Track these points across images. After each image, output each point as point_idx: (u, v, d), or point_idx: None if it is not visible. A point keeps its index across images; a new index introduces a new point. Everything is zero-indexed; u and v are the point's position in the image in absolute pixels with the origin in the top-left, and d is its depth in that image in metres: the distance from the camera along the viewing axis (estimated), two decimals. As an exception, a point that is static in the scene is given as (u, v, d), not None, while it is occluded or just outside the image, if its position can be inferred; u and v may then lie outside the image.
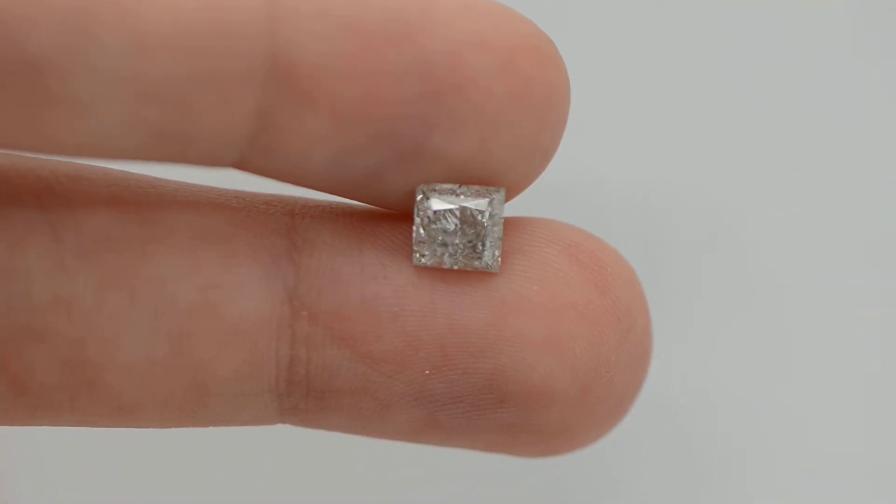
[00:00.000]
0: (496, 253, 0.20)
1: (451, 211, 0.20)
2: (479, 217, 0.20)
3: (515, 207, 0.21)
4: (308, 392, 0.21)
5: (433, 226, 0.20)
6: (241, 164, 0.20)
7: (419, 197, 0.20)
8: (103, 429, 0.21)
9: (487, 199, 0.20)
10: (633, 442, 0.27)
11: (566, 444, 0.22)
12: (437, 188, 0.20)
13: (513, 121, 0.20)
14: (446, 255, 0.20)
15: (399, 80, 0.19)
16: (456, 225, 0.20)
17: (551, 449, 0.22)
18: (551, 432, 0.21)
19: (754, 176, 0.29)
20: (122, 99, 0.17)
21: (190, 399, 0.20)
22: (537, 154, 0.20)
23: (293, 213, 0.21)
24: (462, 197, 0.20)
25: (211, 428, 0.21)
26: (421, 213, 0.20)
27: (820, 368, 0.28)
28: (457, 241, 0.20)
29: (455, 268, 0.20)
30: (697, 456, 0.28)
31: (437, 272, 0.21)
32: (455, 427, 0.21)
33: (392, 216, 0.21)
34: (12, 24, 0.16)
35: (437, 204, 0.20)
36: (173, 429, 0.21)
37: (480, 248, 0.20)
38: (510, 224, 0.21)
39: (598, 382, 0.21)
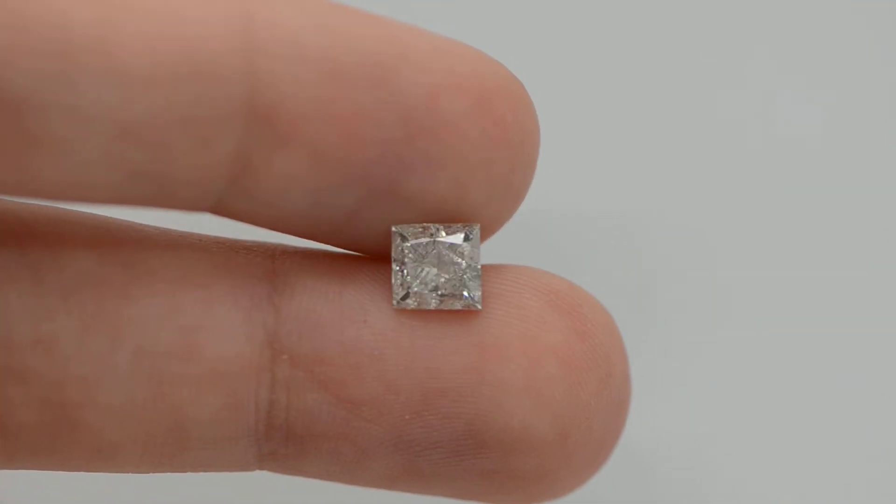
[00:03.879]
0: (477, 289, 0.21)
1: (427, 250, 0.20)
2: (457, 254, 0.21)
3: (493, 242, 0.22)
4: (288, 437, 0.21)
5: (411, 266, 0.20)
6: (219, 208, 0.20)
7: (395, 238, 0.20)
8: (81, 474, 0.21)
9: (463, 235, 0.21)
10: (612, 491, 0.27)
11: (545, 491, 0.22)
12: (411, 227, 0.20)
13: (487, 162, 0.20)
14: (426, 294, 0.20)
15: (376, 122, 0.19)
16: (434, 264, 0.20)
17: (530, 496, 0.22)
18: (530, 478, 0.21)
19: (732, 204, 0.29)
20: (100, 139, 0.17)
21: (169, 442, 0.20)
22: (510, 194, 0.21)
23: (273, 257, 0.21)
24: (438, 235, 0.20)
25: (189, 473, 0.21)
26: (398, 253, 0.20)
27: (803, 407, 0.28)
28: (436, 280, 0.20)
29: (436, 307, 0.21)
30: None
31: (418, 315, 0.21)
32: (434, 473, 0.21)
33: (372, 260, 0.21)
34: None
35: (413, 243, 0.20)
36: (151, 474, 0.21)
37: (460, 285, 0.20)
38: (489, 270, 0.21)
39: (578, 428, 0.21)
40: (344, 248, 0.21)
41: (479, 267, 0.21)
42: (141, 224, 0.21)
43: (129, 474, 0.21)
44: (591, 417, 0.21)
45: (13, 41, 0.16)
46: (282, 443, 0.21)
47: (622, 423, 0.22)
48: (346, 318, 0.21)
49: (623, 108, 0.29)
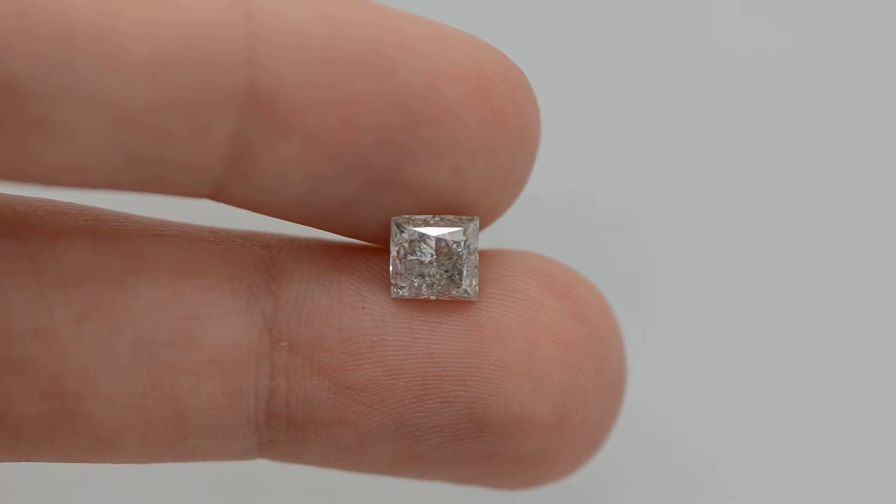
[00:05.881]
0: (473, 281, 0.21)
1: (426, 242, 0.20)
2: (455, 246, 0.21)
3: (491, 228, 0.22)
4: (288, 424, 0.21)
5: (409, 257, 0.20)
6: (217, 194, 0.20)
7: (394, 229, 0.20)
8: (82, 466, 0.21)
9: (462, 228, 0.21)
10: (611, 473, 0.27)
11: (544, 474, 0.22)
12: (411, 219, 0.20)
13: (486, 150, 0.20)
14: (424, 285, 0.21)
15: (375, 109, 0.19)
16: (432, 255, 0.20)
17: (530, 480, 0.22)
18: (530, 461, 0.21)
19: (732, 189, 0.29)
20: (99, 125, 0.17)
21: (169, 431, 0.20)
22: (509, 183, 0.21)
23: (270, 246, 0.21)
24: (436, 227, 0.20)
25: (190, 463, 0.21)
26: (396, 245, 0.20)
27: (803, 386, 0.28)
28: (434, 272, 0.21)
29: (433, 298, 0.21)
30: (678, 486, 0.28)
31: (416, 301, 0.21)
32: (435, 458, 0.21)
33: (370, 248, 0.21)
34: None
35: (412, 235, 0.20)
36: (152, 464, 0.21)
37: (458, 277, 0.21)
38: (486, 255, 0.22)
39: (576, 410, 0.21)
40: (343, 235, 0.21)
41: (476, 260, 0.21)
42: (137, 215, 0.21)
43: (130, 465, 0.21)
44: (589, 399, 0.21)
45: (14, 27, 0.16)
46: (282, 430, 0.21)
47: (619, 405, 0.23)
48: (344, 304, 0.21)
49: (622, 95, 0.30)
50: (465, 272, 0.21)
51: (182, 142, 0.18)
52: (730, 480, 0.28)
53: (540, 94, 0.21)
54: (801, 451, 0.28)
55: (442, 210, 0.21)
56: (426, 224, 0.20)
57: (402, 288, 0.21)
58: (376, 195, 0.20)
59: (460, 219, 0.21)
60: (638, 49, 0.30)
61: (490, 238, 0.22)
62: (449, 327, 0.21)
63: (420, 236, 0.20)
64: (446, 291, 0.21)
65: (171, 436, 0.20)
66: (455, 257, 0.21)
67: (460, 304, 0.21)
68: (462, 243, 0.21)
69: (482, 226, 0.21)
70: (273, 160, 0.19)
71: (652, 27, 0.30)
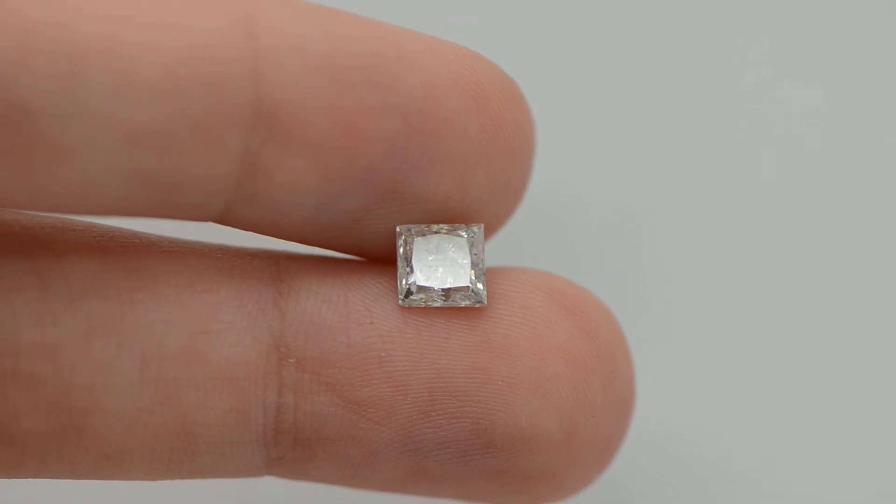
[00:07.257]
0: (482, 285, 0.21)
1: (432, 249, 0.21)
2: (461, 252, 0.21)
3: (495, 240, 0.22)
4: (296, 441, 0.21)
5: (416, 265, 0.21)
6: (226, 216, 0.20)
7: (400, 238, 0.21)
8: (90, 484, 0.21)
9: (467, 235, 0.21)
10: (620, 490, 0.27)
11: (552, 491, 0.22)
12: (416, 228, 0.21)
13: (487, 159, 0.20)
14: (432, 292, 0.21)
15: (378, 122, 0.19)
16: (439, 262, 0.21)
17: (539, 497, 0.22)
18: (538, 478, 0.21)
19: (726, 198, 0.29)
20: (109, 145, 0.17)
21: (177, 447, 0.20)
22: (510, 192, 0.21)
23: (277, 262, 0.21)
24: (442, 234, 0.21)
25: (198, 480, 0.21)
26: (403, 253, 0.21)
27: (815, 395, 0.28)
28: (441, 278, 0.21)
29: (442, 305, 0.21)
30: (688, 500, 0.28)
31: (424, 315, 0.21)
32: (442, 474, 0.21)
33: (376, 263, 0.21)
34: (0, 70, 0.17)
35: (418, 243, 0.21)
36: (160, 481, 0.21)
37: (465, 282, 0.21)
38: (493, 272, 0.22)
39: (584, 426, 0.21)
40: (348, 253, 0.21)
41: (482, 264, 0.21)
42: (143, 232, 0.21)
43: (137, 482, 0.21)
44: (597, 415, 0.21)
45: (22, 50, 0.17)
46: (290, 447, 0.21)
47: (627, 421, 0.22)
48: (351, 320, 0.21)
49: (618, 102, 0.30)
50: (471, 276, 0.21)
51: (192, 160, 0.18)
52: (741, 494, 0.28)
53: (533, 102, 0.21)
54: (815, 462, 0.28)
55: (446, 220, 0.21)
56: (432, 232, 0.21)
57: (409, 295, 0.21)
58: (382, 208, 0.20)
59: (466, 226, 0.21)
60: (630, 56, 0.30)
61: (492, 247, 0.22)
62: (456, 343, 0.21)
63: (426, 243, 0.21)
64: (454, 297, 0.21)
65: (179, 452, 0.20)
66: (461, 262, 0.21)
67: (468, 318, 0.21)
68: (468, 248, 0.21)
69: (486, 236, 0.21)
70: (281, 177, 0.19)
71: (647, 33, 0.30)
